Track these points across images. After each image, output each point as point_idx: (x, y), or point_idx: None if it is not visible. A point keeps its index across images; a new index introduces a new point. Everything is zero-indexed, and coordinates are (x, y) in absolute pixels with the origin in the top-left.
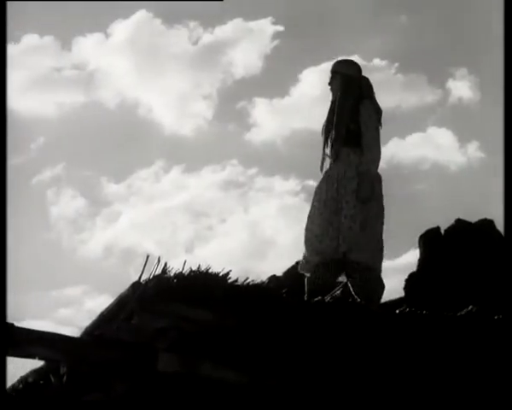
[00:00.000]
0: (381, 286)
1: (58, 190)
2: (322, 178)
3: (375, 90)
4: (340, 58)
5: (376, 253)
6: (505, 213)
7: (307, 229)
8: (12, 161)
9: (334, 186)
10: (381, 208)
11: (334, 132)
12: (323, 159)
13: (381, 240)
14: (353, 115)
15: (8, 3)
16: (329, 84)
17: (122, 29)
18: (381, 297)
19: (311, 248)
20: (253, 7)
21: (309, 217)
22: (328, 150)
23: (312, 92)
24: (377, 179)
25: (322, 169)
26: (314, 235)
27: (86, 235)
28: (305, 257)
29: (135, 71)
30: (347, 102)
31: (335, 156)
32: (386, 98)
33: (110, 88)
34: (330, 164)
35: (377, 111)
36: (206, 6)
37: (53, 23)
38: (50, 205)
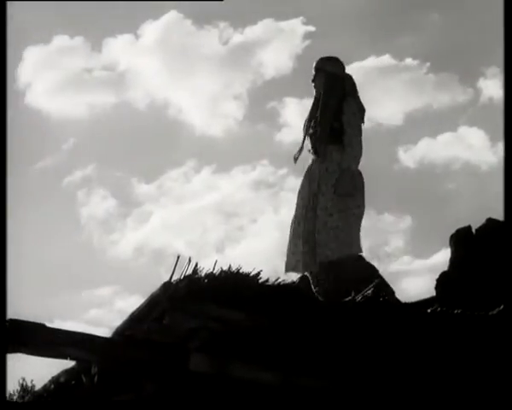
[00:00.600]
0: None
1: (89, 191)
2: (305, 176)
3: (404, 89)
4: (324, 56)
5: (351, 247)
6: (505, 213)
7: (294, 228)
8: (43, 162)
9: (316, 183)
10: (360, 204)
11: (318, 131)
12: (300, 152)
13: (359, 241)
14: (337, 114)
15: (39, 4)
16: (313, 81)
17: (152, 30)
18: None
19: (295, 248)
20: (283, 7)
21: (295, 216)
22: (309, 147)
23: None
24: (358, 176)
25: (295, 161)
26: (297, 235)
27: (117, 235)
28: (290, 257)
29: (165, 71)
30: (331, 100)
31: (318, 154)
32: (417, 98)
33: (140, 89)
34: (313, 161)
35: (360, 109)
36: (236, 6)
37: (83, 24)
38: (81, 206)
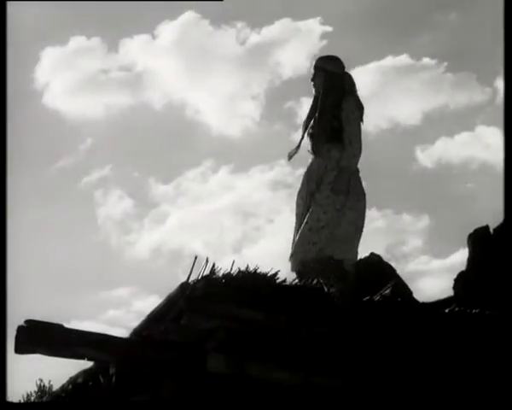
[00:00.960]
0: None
1: (106, 192)
2: (304, 175)
3: (422, 88)
4: (323, 55)
5: (344, 246)
6: (505, 213)
7: (296, 225)
8: (60, 162)
9: (314, 182)
10: (358, 203)
11: (317, 130)
12: (296, 150)
13: (357, 239)
14: (336, 112)
15: (56, 5)
16: (312, 80)
17: (169, 30)
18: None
19: (303, 247)
20: (301, 7)
21: (296, 214)
22: (308, 146)
23: (359, 93)
24: (355, 174)
25: (290, 157)
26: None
27: (134, 236)
28: (296, 256)
29: (182, 72)
30: (330, 99)
31: (317, 153)
32: (434, 97)
33: (157, 89)
34: (312, 160)
35: (359, 107)
36: (254, 6)
37: (100, 25)
38: (98, 206)
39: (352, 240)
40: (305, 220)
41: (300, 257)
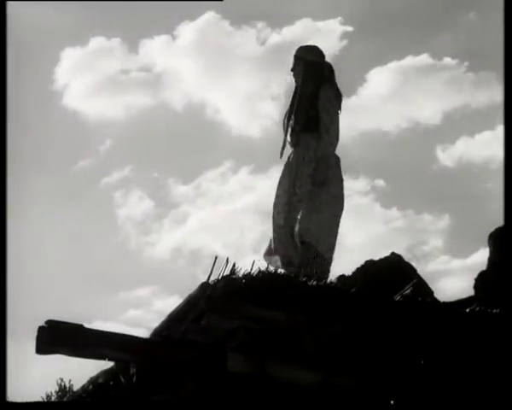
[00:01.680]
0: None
1: (126, 192)
2: (284, 167)
3: (443, 88)
4: (303, 44)
5: (327, 238)
6: (505, 213)
7: (274, 218)
8: (80, 163)
9: (293, 173)
10: (338, 193)
11: (294, 119)
12: (284, 145)
13: (335, 226)
14: (313, 101)
15: (77, 6)
16: (292, 70)
17: (189, 30)
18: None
19: (278, 239)
20: (322, 7)
21: (274, 206)
22: (288, 137)
23: (379, 92)
24: (334, 162)
25: (281, 155)
26: (278, 225)
27: (154, 236)
28: (273, 248)
29: (202, 72)
30: (308, 88)
31: (295, 143)
32: (455, 97)
33: (177, 90)
34: (292, 151)
35: (337, 96)
36: (274, 6)
37: (120, 25)
38: (118, 207)
39: (330, 227)
40: (291, 215)
41: (284, 252)
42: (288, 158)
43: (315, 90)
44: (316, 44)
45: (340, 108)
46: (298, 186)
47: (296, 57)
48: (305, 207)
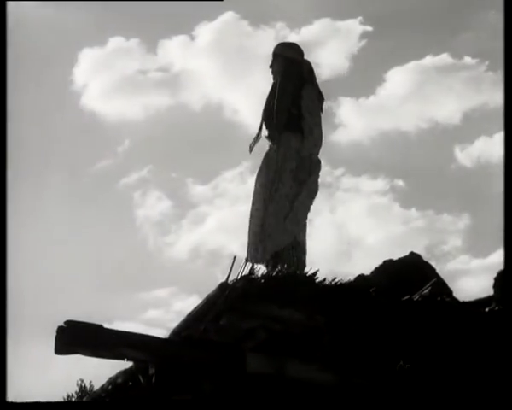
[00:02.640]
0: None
1: (144, 193)
2: (263, 162)
3: (462, 87)
4: (282, 41)
5: (302, 227)
6: (505, 213)
7: (252, 216)
8: (99, 164)
9: (274, 170)
10: (313, 192)
11: (275, 116)
12: (256, 139)
13: (305, 217)
14: (295, 99)
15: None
16: (270, 66)
17: (208, 31)
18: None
19: (255, 236)
20: (342, 7)
21: (253, 203)
22: (265, 133)
23: (399, 92)
24: (316, 165)
25: (251, 150)
26: (255, 224)
27: (172, 237)
28: (252, 246)
29: (220, 72)
30: (288, 85)
31: (276, 141)
32: (475, 97)
33: (195, 90)
34: (270, 147)
35: (319, 97)
36: (294, 6)
37: (138, 26)
38: (136, 207)
39: (304, 222)
40: (272, 211)
41: (272, 247)
42: (266, 155)
43: (296, 89)
44: (295, 42)
45: (321, 110)
46: (281, 183)
47: (275, 55)
48: (289, 204)
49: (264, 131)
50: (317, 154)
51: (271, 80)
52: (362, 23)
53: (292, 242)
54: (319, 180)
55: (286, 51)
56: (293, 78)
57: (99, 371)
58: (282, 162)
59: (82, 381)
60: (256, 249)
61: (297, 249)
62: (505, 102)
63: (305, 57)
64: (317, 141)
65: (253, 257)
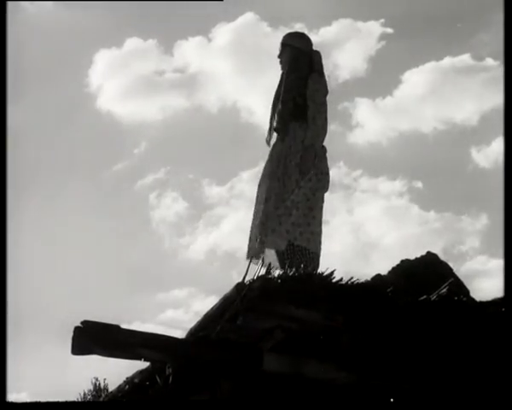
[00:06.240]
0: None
1: (161, 194)
2: (269, 157)
3: (482, 88)
4: (290, 31)
5: (311, 235)
6: (505, 213)
7: (256, 212)
8: (115, 166)
9: (281, 163)
10: (322, 184)
11: (280, 107)
12: (270, 132)
13: (308, 215)
14: (301, 89)
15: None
16: (279, 56)
17: (225, 32)
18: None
19: (257, 234)
20: (365, 8)
21: (256, 198)
22: (274, 125)
23: (417, 93)
24: (321, 154)
25: (269, 143)
26: (259, 217)
27: (188, 238)
28: (253, 242)
29: (237, 74)
30: (295, 75)
31: (282, 131)
32: (493, 98)
33: (212, 91)
34: (277, 139)
35: (325, 87)
36: (312, 8)
37: (155, 27)
38: (153, 209)
39: (306, 222)
40: (277, 205)
41: (271, 243)
42: (273, 148)
43: (303, 79)
44: (303, 32)
45: (325, 100)
46: (287, 176)
47: (283, 44)
48: (295, 206)
49: (275, 123)
50: (321, 142)
51: (280, 70)
52: (383, 25)
53: (292, 242)
54: (330, 176)
55: (294, 41)
56: (301, 67)
57: (115, 370)
58: (287, 155)
59: (96, 380)
60: (257, 241)
61: (303, 253)
62: (505, 101)
63: (314, 48)
64: (320, 130)
65: (250, 249)
